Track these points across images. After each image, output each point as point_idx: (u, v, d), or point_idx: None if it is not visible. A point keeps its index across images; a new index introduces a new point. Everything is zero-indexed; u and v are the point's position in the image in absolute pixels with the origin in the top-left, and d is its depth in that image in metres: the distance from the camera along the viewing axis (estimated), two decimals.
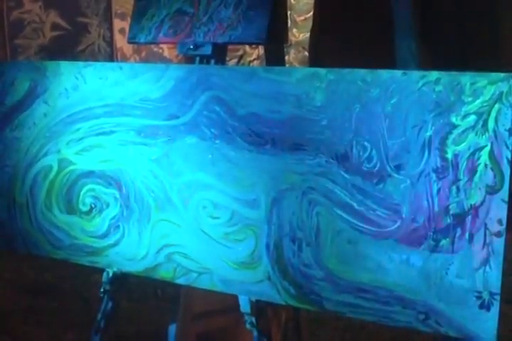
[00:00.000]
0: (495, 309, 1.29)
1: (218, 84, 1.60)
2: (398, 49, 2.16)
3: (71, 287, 3.31)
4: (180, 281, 1.68)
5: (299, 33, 5.24)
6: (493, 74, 1.30)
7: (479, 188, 1.30)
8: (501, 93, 1.28)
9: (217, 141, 1.60)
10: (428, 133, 1.35)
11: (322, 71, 1.47)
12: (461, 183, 1.31)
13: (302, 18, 5.22)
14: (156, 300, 3.10)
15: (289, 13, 4.32)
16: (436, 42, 2.30)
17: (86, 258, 1.81)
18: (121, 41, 5.05)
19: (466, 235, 1.31)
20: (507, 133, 1.27)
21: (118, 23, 5.05)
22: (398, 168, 1.38)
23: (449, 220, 1.32)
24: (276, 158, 1.52)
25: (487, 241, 1.29)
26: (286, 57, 4.35)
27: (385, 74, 1.40)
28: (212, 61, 1.78)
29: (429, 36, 2.18)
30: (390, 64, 2.18)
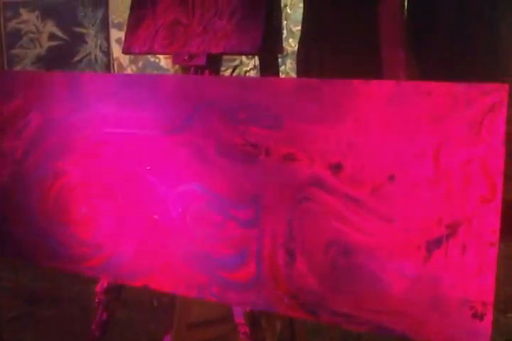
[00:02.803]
0: (488, 319, 1.29)
1: (213, 94, 1.61)
2: (385, 57, 2.15)
3: (68, 295, 3.31)
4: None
5: (295, 43, 5.24)
6: (486, 84, 1.30)
7: (472, 198, 1.30)
8: (494, 103, 1.29)
9: (211, 151, 1.60)
10: (421, 144, 1.35)
11: (317, 82, 1.48)
12: (454, 193, 1.32)
13: (298, 28, 5.22)
14: (152, 309, 3.10)
15: (285, 23, 4.33)
16: (427, 51, 2.30)
17: (80, 268, 1.81)
18: (118, 51, 5.05)
19: (459, 245, 1.31)
20: (500, 144, 1.28)
21: (115, 33, 5.06)
22: (392, 178, 1.38)
23: (442, 230, 1.33)
24: (271, 168, 1.52)
25: (480, 251, 1.29)
26: (283, 67, 4.36)
27: (378, 84, 1.40)
28: (207, 71, 1.79)
29: (419, 45, 2.18)
30: (377, 73, 2.18)
